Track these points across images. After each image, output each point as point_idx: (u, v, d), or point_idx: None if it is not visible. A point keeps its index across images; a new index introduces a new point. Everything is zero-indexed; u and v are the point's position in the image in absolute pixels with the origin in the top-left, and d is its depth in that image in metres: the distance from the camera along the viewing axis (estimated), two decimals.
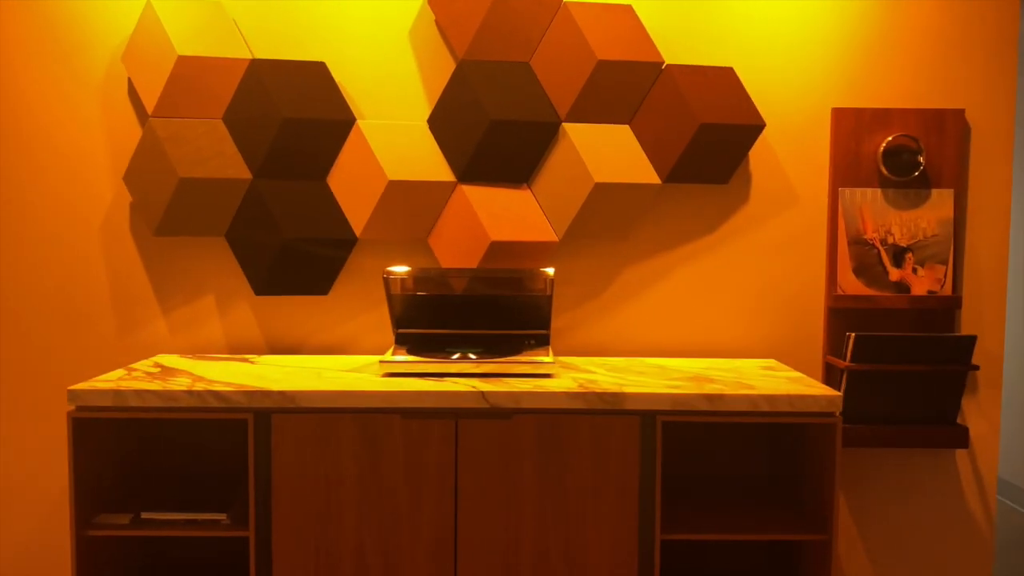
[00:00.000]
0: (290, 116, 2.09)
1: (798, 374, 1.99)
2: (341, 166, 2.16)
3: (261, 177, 2.15)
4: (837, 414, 1.76)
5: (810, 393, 1.76)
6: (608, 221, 2.18)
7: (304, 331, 2.26)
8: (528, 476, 1.76)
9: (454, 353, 1.98)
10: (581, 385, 1.80)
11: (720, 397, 1.75)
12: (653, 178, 2.16)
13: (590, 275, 2.24)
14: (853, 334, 2.08)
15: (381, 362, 1.89)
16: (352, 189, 2.16)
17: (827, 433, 1.78)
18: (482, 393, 1.74)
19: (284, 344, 2.25)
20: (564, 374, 1.93)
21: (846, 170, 2.20)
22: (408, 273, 2.00)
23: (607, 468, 1.76)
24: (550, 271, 1.97)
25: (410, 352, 2.02)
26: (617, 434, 1.76)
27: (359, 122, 2.15)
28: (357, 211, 2.16)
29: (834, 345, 2.21)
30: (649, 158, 2.17)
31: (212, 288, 2.24)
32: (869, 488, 2.25)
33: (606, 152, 2.15)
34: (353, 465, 1.76)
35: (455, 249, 2.17)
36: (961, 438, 2.13)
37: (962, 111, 2.18)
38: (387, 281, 1.98)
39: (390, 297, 2.03)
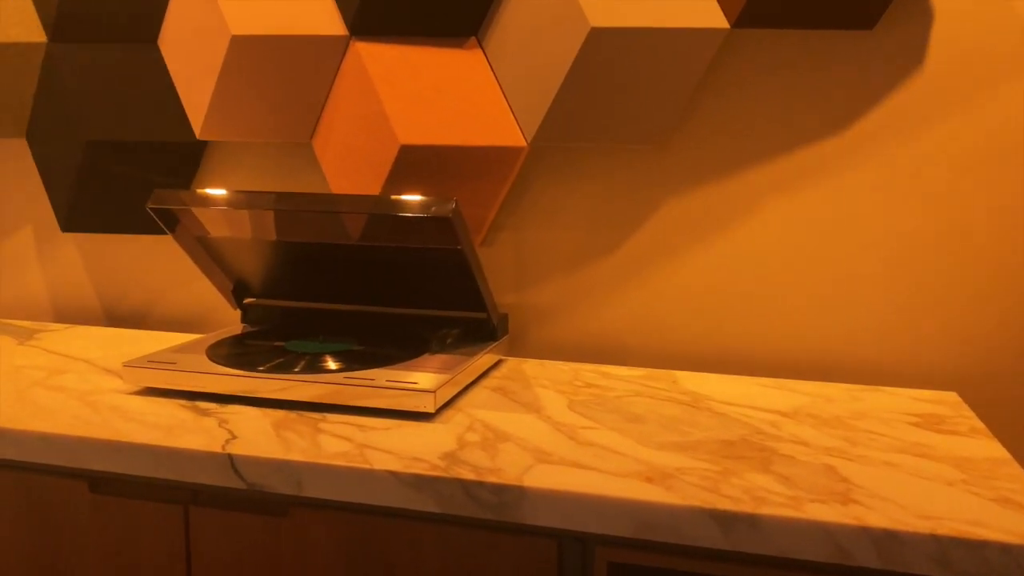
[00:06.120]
0: None
1: (1003, 451, 0.87)
2: (175, 18, 1.28)
3: (58, 40, 1.33)
4: None
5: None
6: (622, 109, 1.13)
7: (146, 292, 1.44)
8: None
9: (303, 354, 1.07)
10: (451, 454, 0.83)
11: (753, 521, 0.71)
12: (715, 18, 1.08)
13: (598, 212, 1.21)
14: None
15: (125, 364, 1.02)
16: (190, 56, 1.28)
17: None
18: (230, 458, 0.83)
19: (123, 310, 1.45)
20: (460, 415, 0.96)
21: None
22: (189, 201, 1.08)
23: None
24: (450, 204, 0.98)
25: (248, 341, 1.14)
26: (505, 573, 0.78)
27: None
28: (196, 93, 1.28)
29: None
30: None
31: (26, 219, 1.48)
32: None
33: None
34: (16, 555, 0.92)
35: (350, 159, 1.23)
36: None
37: None
38: (157, 211, 1.09)
39: (191, 242, 1.15)
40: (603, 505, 0.74)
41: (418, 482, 0.78)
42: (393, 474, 0.78)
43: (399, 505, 0.78)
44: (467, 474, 0.77)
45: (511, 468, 0.79)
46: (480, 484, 0.76)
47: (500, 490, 0.76)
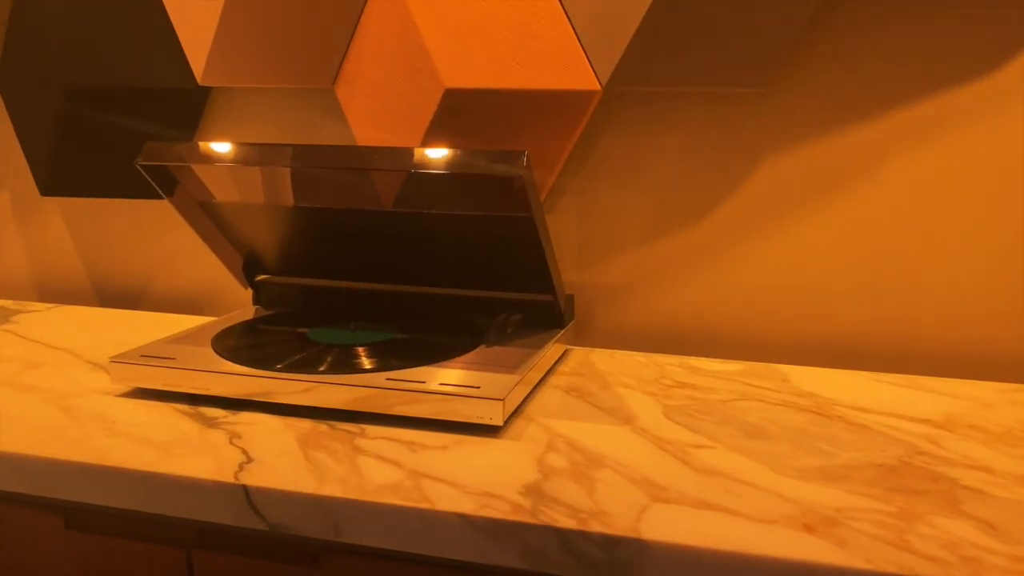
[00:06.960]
0: None
1: None
2: None
3: None
4: None
5: None
6: (719, 45, 0.92)
7: (142, 267, 1.24)
8: None
9: (330, 346, 0.87)
10: (534, 487, 0.63)
11: None
12: None
13: (683, 171, 1.01)
14: None
15: (112, 360, 0.82)
16: None
17: None
18: (245, 491, 0.63)
19: (116, 288, 1.26)
20: (533, 427, 0.76)
21: None
22: (188, 156, 0.88)
23: None
24: (520, 158, 0.77)
25: (263, 327, 0.95)
26: None
27: None
28: (197, 30, 1.07)
29: None
30: None
31: (0, 181, 1.28)
32: None
33: None
34: None
35: (383, 107, 1.02)
36: None
37: None
38: (149, 168, 0.88)
39: (193, 208, 0.94)
40: (752, 567, 0.54)
41: (497, 529, 0.58)
42: (463, 517, 0.59)
43: (470, 559, 0.59)
44: (563, 519, 0.58)
45: (620, 510, 0.59)
46: (583, 535, 0.57)
47: (611, 543, 0.56)
